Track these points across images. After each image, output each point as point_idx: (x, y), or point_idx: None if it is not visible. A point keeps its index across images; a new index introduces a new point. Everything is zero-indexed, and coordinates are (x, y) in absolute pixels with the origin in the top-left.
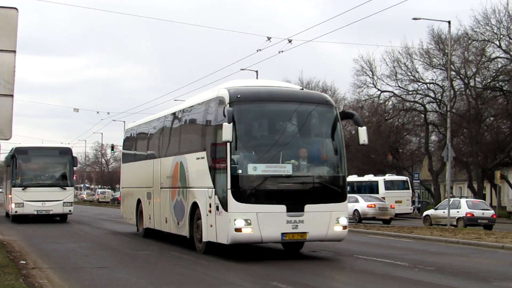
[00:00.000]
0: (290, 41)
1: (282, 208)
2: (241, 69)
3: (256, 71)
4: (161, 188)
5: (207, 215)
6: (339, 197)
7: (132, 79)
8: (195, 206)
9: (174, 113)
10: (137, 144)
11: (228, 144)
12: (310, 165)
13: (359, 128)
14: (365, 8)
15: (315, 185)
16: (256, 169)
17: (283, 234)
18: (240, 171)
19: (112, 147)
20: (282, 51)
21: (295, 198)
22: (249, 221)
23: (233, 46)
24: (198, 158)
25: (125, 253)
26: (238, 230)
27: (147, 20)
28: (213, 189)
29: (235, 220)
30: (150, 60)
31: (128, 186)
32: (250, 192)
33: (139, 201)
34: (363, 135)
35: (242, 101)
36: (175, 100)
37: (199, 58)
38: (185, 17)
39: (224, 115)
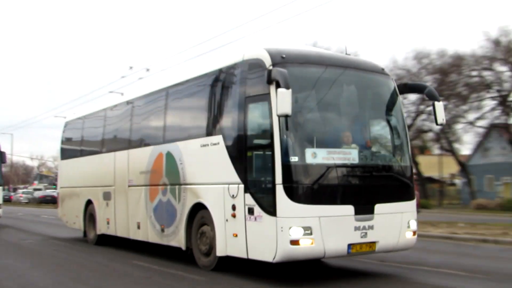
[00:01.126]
0: (148, 69)
1: (350, 209)
2: (109, 92)
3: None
4: (129, 186)
5: (226, 220)
6: (409, 194)
7: None
8: (197, 208)
9: (160, 91)
10: (86, 137)
11: (277, 120)
12: (377, 151)
13: (436, 103)
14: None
15: (386, 178)
16: (315, 156)
17: (349, 245)
18: (295, 159)
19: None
20: (141, 78)
21: (363, 196)
22: (309, 230)
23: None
24: (204, 145)
25: (92, 269)
26: (294, 242)
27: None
28: (241, 185)
29: (290, 228)
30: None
31: (70, 186)
32: (311, 189)
33: (88, 203)
34: (440, 112)
35: (290, 63)
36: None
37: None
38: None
39: (271, 79)
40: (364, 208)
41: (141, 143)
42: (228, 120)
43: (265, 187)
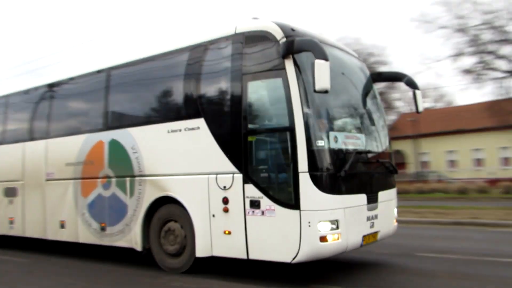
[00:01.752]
0: None
1: (363, 199)
2: None
3: None
4: (47, 180)
5: (212, 216)
6: (394, 180)
7: None
8: (158, 203)
9: (101, 72)
10: None
11: (298, 99)
12: (375, 136)
13: (416, 91)
14: None
15: (383, 164)
16: (337, 141)
17: (363, 237)
18: (322, 143)
19: None
20: None
21: (371, 184)
22: (336, 223)
23: None
24: (174, 131)
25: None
26: (323, 238)
27: None
28: (237, 175)
29: (319, 222)
30: None
31: None
32: (337, 177)
33: None
34: (421, 100)
35: (300, 38)
36: None
37: None
38: None
39: (293, 51)
40: (372, 197)
41: (68, 130)
42: (215, 101)
43: (278, 176)
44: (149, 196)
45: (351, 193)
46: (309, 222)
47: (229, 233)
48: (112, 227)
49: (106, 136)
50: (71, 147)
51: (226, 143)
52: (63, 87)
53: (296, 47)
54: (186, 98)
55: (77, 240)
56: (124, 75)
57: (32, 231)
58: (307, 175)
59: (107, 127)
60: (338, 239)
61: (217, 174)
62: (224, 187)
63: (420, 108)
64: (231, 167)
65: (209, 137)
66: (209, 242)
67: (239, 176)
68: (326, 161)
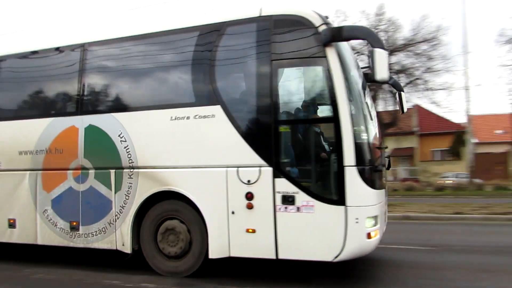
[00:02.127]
0: None
1: (384, 194)
2: None
3: None
4: None
5: (232, 213)
6: None
7: None
8: (155, 198)
9: (75, 48)
10: None
11: (342, 89)
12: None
13: (402, 93)
14: None
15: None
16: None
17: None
18: (365, 136)
19: None
20: None
21: (384, 179)
22: (376, 219)
23: None
24: (180, 118)
25: None
26: (369, 235)
27: None
28: (266, 168)
29: (366, 219)
30: None
31: None
32: (377, 171)
33: None
34: (405, 101)
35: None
36: None
37: None
38: None
39: (341, 38)
40: (385, 191)
41: (24, 112)
42: (236, 88)
43: (318, 170)
44: (144, 191)
45: (381, 188)
46: (356, 219)
47: (253, 231)
48: (87, 226)
49: (81, 121)
50: (28, 133)
51: (251, 133)
52: (23, 60)
53: (345, 35)
54: (196, 82)
55: (35, 241)
56: (112, 50)
57: None
58: (354, 169)
59: (82, 111)
60: (376, 235)
61: (238, 167)
62: (249, 181)
63: (405, 109)
64: (257, 160)
65: (227, 127)
66: (226, 241)
67: (267, 170)
68: (368, 154)
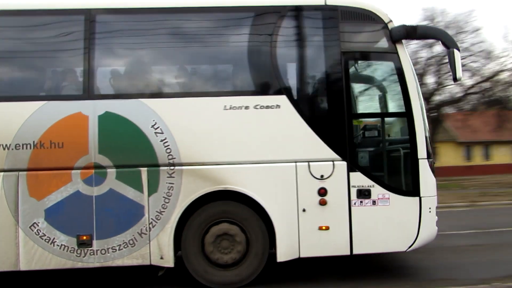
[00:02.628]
0: None
1: None
2: None
3: None
4: None
5: (303, 210)
6: None
7: None
8: (201, 200)
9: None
10: None
11: (414, 86)
12: None
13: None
14: None
15: None
16: None
17: None
18: (427, 131)
19: None
20: None
21: None
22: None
23: None
24: (238, 108)
25: None
26: (436, 223)
27: None
28: (339, 162)
29: (436, 208)
30: None
31: None
32: (434, 162)
33: None
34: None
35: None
36: None
37: None
38: None
39: (412, 36)
40: None
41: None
42: (304, 78)
43: (393, 163)
44: (190, 192)
45: None
46: (429, 208)
47: (327, 228)
48: (106, 240)
49: (93, 107)
50: (1, 120)
51: (323, 126)
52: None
53: (420, 33)
54: (257, 69)
55: (14, 268)
56: (143, 21)
57: None
58: (426, 161)
59: (93, 94)
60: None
61: (309, 161)
62: (322, 176)
63: (458, 74)
64: (330, 154)
65: (295, 119)
66: (296, 242)
67: (342, 164)
68: (430, 148)
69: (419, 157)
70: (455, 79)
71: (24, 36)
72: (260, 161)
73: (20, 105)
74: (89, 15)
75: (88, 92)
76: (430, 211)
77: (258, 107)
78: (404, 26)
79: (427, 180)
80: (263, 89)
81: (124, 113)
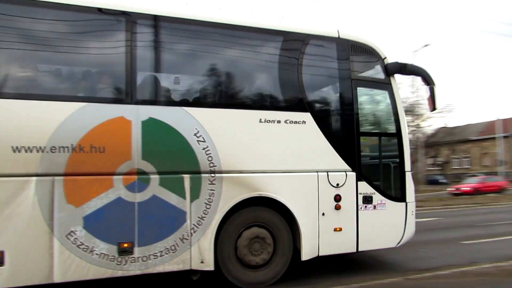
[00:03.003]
0: None
1: None
2: None
3: None
4: None
5: (322, 214)
6: None
7: None
8: (248, 202)
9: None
10: None
11: (402, 111)
12: None
13: (434, 87)
14: None
15: None
16: None
17: None
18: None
19: None
20: None
21: None
22: None
23: None
24: (270, 121)
25: None
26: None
27: None
28: (350, 173)
29: (414, 211)
30: None
31: None
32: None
33: None
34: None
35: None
36: None
37: None
38: None
39: (402, 71)
40: None
41: (24, 89)
42: (324, 98)
43: (388, 174)
44: (229, 198)
45: None
46: (412, 211)
47: (340, 229)
48: (147, 247)
49: (136, 112)
50: (35, 120)
51: (339, 141)
52: (39, 9)
53: (408, 70)
54: (287, 87)
55: (46, 280)
56: (186, 30)
57: None
58: (410, 173)
59: (137, 99)
60: None
61: (327, 171)
62: (337, 184)
63: (437, 106)
64: (343, 165)
65: (317, 134)
66: (317, 242)
67: (352, 174)
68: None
69: (406, 169)
70: (433, 109)
71: (66, 30)
72: (289, 170)
73: (57, 105)
74: (134, 19)
75: (131, 97)
76: (412, 214)
77: (288, 121)
78: (397, 63)
79: (410, 188)
80: (292, 106)
81: (168, 120)
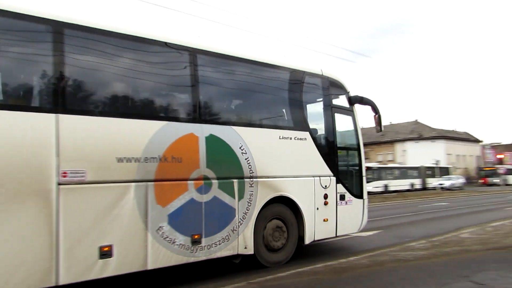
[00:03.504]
0: None
1: None
2: None
3: None
4: (61, 184)
5: (317, 209)
6: None
7: None
8: (273, 201)
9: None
10: None
11: (360, 131)
12: None
13: (380, 115)
14: None
15: None
16: None
17: None
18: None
19: None
20: None
21: None
22: None
23: None
24: (285, 138)
25: None
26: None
27: None
28: (333, 177)
29: (367, 206)
30: None
31: None
32: None
33: None
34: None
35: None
36: None
37: None
38: None
39: (359, 102)
40: None
41: (122, 109)
42: (315, 120)
43: (353, 178)
44: (262, 197)
45: None
46: (367, 206)
47: (327, 220)
48: (211, 237)
49: (201, 129)
50: (133, 135)
51: (326, 154)
52: (125, 42)
53: (364, 101)
54: (294, 112)
55: (142, 267)
56: (223, 67)
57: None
58: (365, 177)
59: (201, 119)
60: None
61: (320, 176)
62: (325, 186)
63: (382, 128)
64: (329, 172)
65: (313, 148)
66: (313, 230)
67: (334, 178)
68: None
69: (362, 175)
70: (379, 131)
71: (153, 63)
72: (296, 176)
73: (147, 123)
74: (196, 56)
75: (200, 117)
76: (367, 207)
77: (296, 138)
78: (358, 96)
79: (365, 189)
80: (298, 126)
81: (222, 135)
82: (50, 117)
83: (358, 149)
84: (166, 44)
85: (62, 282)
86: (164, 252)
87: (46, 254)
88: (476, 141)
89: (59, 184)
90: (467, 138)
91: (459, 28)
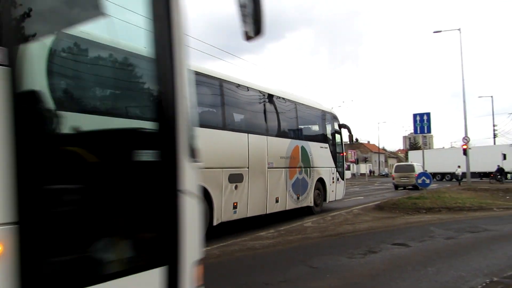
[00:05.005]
0: None
1: None
2: None
3: None
4: (268, 168)
5: (330, 184)
6: None
7: None
8: (318, 180)
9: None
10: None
11: (343, 144)
12: None
13: (352, 135)
14: None
15: None
16: None
17: None
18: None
19: None
20: None
21: None
22: None
23: None
24: (321, 147)
25: None
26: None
27: None
28: (334, 169)
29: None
30: None
31: None
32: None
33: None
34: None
35: None
36: None
37: None
38: None
39: (342, 128)
40: None
41: (279, 134)
42: (329, 138)
43: (342, 169)
44: (315, 177)
45: None
46: (345, 185)
47: (333, 191)
48: (302, 196)
49: (299, 143)
50: (282, 146)
51: (333, 155)
52: (278, 101)
53: (345, 126)
54: (322, 132)
55: (284, 208)
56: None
57: (253, 211)
58: (344, 168)
59: (298, 138)
60: None
61: (331, 168)
62: (333, 173)
63: (354, 140)
64: (334, 165)
65: (329, 152)
66: (328, 196)
67: (335, 169)
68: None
69: (344, 168)
70: (351, 143)
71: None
72: (325, 167)
73: (285, 140)
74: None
75: (299, 137)
76: (344, 185)
77: (324, 147)
78: (343, 123)
79: (345, 175)
80: (324, 141)
81: (305, 146)
82: (263, 138)
83: (343, 153)
84: (306, 105)
85: (267, 211)
86: (290, 202)
87: (262, 198)
88: None
89: (268, 168)
90: None
91: None
